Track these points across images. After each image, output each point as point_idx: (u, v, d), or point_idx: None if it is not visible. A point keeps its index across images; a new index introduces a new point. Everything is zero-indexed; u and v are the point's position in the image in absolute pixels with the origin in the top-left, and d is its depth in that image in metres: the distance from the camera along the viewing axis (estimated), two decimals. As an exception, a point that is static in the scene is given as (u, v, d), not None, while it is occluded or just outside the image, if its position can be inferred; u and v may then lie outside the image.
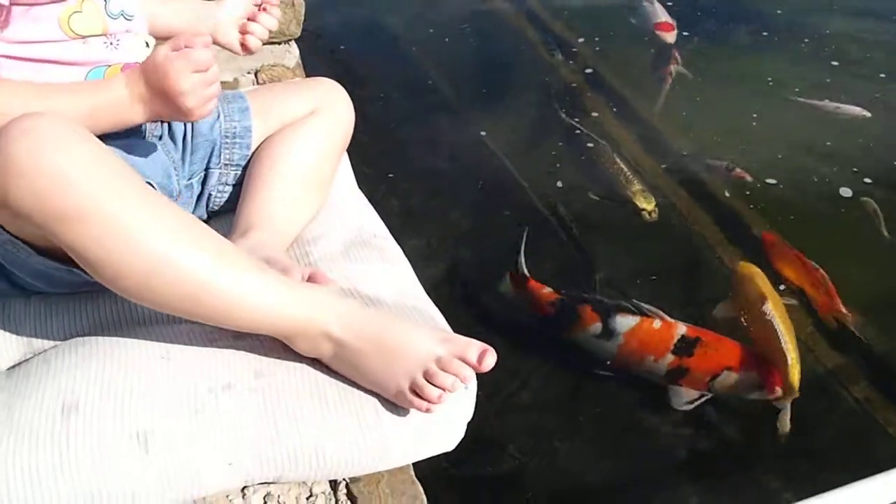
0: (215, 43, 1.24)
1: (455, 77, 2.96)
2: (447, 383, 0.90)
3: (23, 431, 0.86)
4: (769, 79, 2.88)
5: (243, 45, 1.28)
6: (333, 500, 1.06)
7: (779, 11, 3.41)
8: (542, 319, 1.93)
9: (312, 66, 2.35)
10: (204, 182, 1.26)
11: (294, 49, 2.18)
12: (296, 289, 0.95)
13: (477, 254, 2.19)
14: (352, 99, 1.33)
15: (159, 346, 0.96)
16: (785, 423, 1.71)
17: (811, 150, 2.54)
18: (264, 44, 2.12)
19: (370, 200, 1.40)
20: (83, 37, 1.04)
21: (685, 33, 3.14)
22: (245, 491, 1.01)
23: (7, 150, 0.81)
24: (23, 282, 1.06)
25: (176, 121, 1.19)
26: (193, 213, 1.26)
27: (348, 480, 1.07)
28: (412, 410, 0.95)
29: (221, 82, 1.10)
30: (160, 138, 1.18)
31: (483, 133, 2.63)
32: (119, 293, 0.90)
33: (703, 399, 1.75)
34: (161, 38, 1.25)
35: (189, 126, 1.23)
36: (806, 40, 3.15)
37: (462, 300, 2.03)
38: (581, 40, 3.18)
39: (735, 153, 2.51)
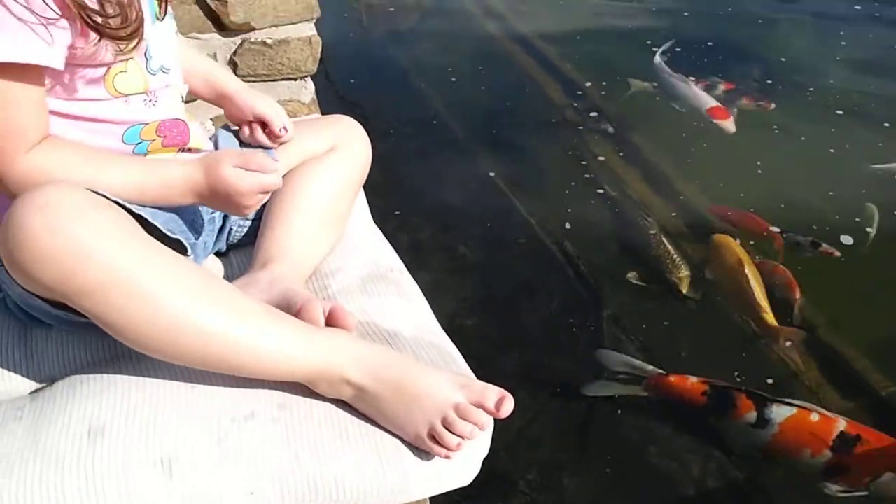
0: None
1: (465, 116, 3.01)
2: (466, 431, 0.92)
3: (49, 455, 0.88)
4: (774, 126, 2.93)
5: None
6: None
7: (783, 59, 3.48)
8: (695, 409, 1.87)
9: (326, 101, 2.39)
10: (226, 216, 1.28)
11: (310, 85, 2.21)
12: (314, 337, 0.96)
13: (484, 290, 2.21)
14: (366, 135, 1.37)
15: (183, 374, 0.98)
16: None
17: (813, 198, 2.57)
18: (282, 79, 2.18)
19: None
20: (125, 95, 1.05)
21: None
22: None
23: (25, 229, 0.83)
24: (42, 317, 1.07)
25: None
26: (214, 245, 1.28)
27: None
28: None
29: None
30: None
31: (492, 174, 2.66)
32: (143, 352, 0.93)
33: (858, 493, 1.71)
34: (195, 84, 1.29)
35: None
36: (811, 89, 3.20)
37: (470, 334, 2.05)
38: (588, 84, 3.23)
39: (738, 199, 2.55)
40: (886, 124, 2.97)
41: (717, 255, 2.31)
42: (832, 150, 2.79)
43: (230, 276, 1.25)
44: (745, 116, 2.99)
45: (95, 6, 0.92)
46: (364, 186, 1.43)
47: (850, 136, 2.87)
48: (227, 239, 1.31)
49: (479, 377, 1.01)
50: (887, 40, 3.68)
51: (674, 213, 2.53)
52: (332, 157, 1.32)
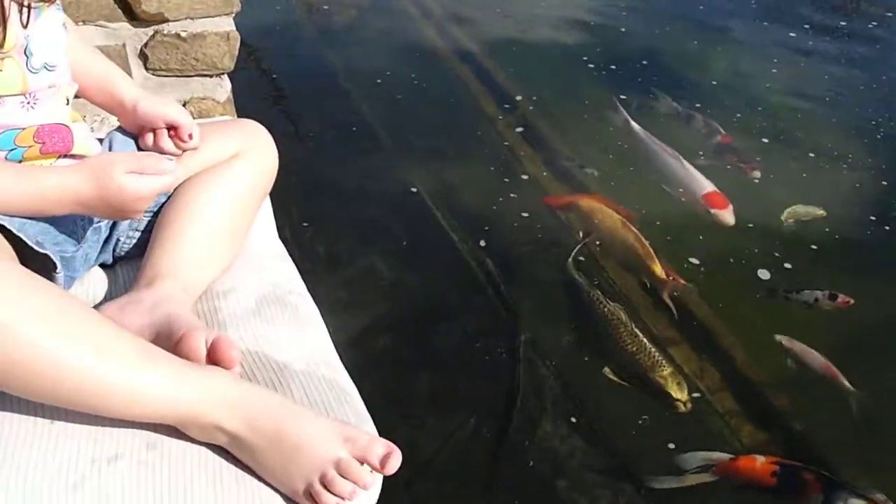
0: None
1: (392, 124, 2.92)
2: (346, 492, 0.85)
3: None
4: (700, 152, 2.91)
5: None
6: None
7: (713, 82, 3.49)
8: (764, 490, 1.81)
9: (244, 101, 2.29)
10: (113, 226, 1.18)
11: (226, 83, 2.11)
12: (185, 378, 0.88)
13: (400, 306, 2.13)
14: (283, 138, 1.29)
15: (44, 408, 0.88)
16: None
17: (733, 231, 2.54)
18: (196, 75, 2.08)
19: (294, 243, 1.35)
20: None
21: (623, 96, 3.17)
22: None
23: None
24: None
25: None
26: (98, 257, 1.19)
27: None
28: None
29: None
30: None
31: (414, 188, 2.58)
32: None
33: None
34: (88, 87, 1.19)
35: None
36: (738, 115, 3.21)
37: (381, 352, 1.97)
38: (519, 98, 3.19)
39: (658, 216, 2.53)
40: (811, 154, 2.99)
41: (595, 218, 2.48)
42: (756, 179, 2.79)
43: (114, 292, 1.16)
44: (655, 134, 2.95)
45: None
46: (279, 192, 1.35)
47: (775, 164, 2.88)
48: (114, 251, 1.21)
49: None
50: (818, 70, 3.73)
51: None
52: (235, 164, 1.23)
